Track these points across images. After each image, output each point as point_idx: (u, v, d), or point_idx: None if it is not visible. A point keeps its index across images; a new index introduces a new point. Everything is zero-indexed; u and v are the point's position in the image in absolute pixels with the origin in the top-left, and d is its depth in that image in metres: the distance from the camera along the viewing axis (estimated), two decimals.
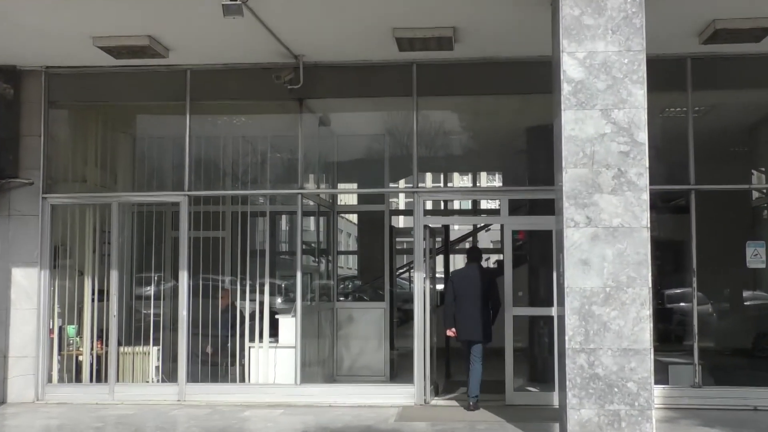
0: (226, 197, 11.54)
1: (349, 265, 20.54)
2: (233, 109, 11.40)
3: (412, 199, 10.38)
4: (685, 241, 10.03)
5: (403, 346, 12.27)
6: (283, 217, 14.27)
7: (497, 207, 11.63)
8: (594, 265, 7.63)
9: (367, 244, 15.49)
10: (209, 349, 10.82)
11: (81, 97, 11.10)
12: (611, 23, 7.77)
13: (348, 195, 16.53)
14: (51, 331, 10.67)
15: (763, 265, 10.21)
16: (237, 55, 10.19)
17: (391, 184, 12.91)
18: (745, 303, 12.65)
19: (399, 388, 10.35)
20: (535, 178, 11.31)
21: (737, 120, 11.52)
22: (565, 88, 7.79)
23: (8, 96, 10.52)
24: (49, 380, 10.61)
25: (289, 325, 10.54)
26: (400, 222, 25.19)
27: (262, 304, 10.66)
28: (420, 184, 10.51)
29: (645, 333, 7.55)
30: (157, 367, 10.69)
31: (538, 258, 11.43)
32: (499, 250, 15.46)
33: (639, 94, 7.72)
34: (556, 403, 9.16)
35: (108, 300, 10.59)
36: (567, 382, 7.61)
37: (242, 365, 10.60)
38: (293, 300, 10.66)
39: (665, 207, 11.79)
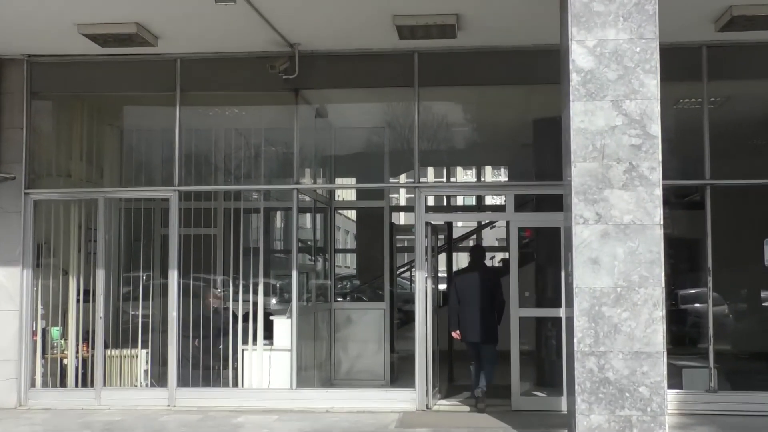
0: (218, 193, 11.53)
1: (347, 263, 20.57)
2: (225, 101, 11.40)
3: (413, 195, 10.37)
4: (700, 239, 10.02)
5: (404, 349, 12.29)
6: (278, 213, 14.26)
7: (502, 203, 11.63)
8: (604, 264, 7.62)
9: (366, 241, 15.49)
10: (197, 342, 10.77)
11: (65, 88, 11.09)
12: (622, 10, 7.76)
13: (346, 190, 16.50)
14: (34, 334, 10.66)
15: None
16: (229, 44, 10.18)
17: (392, 179, 12.91)
18: (763, 304, 12.64)
19: (399, 392, 10.34)
20: (542, 172, 11.31)
21: (755, 111, 11.50)
22: (574, 78, 7.78)
23: None
24: (33, 385, 10.61)
25: (284, 327, 10.55)
26: (401, 219, 25.23)
27: (255, 304, 10.66)
28: (421, 179, 10.50)
29: (658, 335, 7.55)
30: (145, 371, 10.69)
31: (545, 257, 11.44)
32: (505, 249, 15.49)
33: (652, 84, 7.71)
34: (564, 408, 9.17)
35: (94, 301, 10.59)
36: (576, 387, 7.61)
37: (235, 369, 10.60)
38: (288, 300, 10.66)
39: (679, 203, 11.78)
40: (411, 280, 15.54)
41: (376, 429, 9.13)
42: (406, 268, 17.83)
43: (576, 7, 7.79)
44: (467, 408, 10.16)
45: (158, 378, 10.65)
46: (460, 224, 23.19)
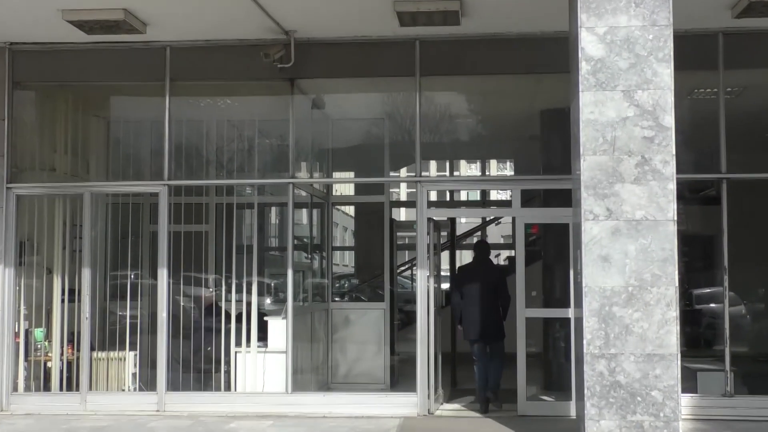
0: (210, 187, 11.54)
1: (345, 261, 20.57)
2: (217, 91, 11.39)
3: (414, 190, 10.37)
4: (716, 236, 10.02)
5: (405, 351, 12.30)
6: (273, 209, 14.28)
7: (508, 198, 11.64)
8: (615, 261, 7.63)
9: (365, 238, 15.51)
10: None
11: (49, 77, 11.07)
12: None
13: (344, 185, 16.56)
14: (16, 335, 10.67)
15: None
16: (221, 31, 10.17)
17: (392, 173, 12.92)
18: None
19: (400, 397, 10.35)
20: (550, 166, 11.32)
21: None
22: (584, 67, 7.78)
23: None
24: (15, 389, 10.62)
25: (279, 328, 10.55)
26: (402, 215, 25.28)
27: (249, 304, 10.66)
28: (423, 173, 10.50)
29: (671, 337, 7.56)
30: (133, 374, 10.69)
31: (553, 254, 11.44)
32: (511, 246, 15.48)
33: (665, 73, 7.71)
34: (573, 413, 9.17)
35: (79, 300, 10.58)
36: (585, 391, 7.62)
37: (228, 372, 10.61)
38: (284, 300, 10.66)
39: (694, 198, 11.79)
40: (412, 278, 15.54)
41: None
42: (407, 266, 17.84)
43: None
44: (471, 413, 10.18)
45: (147, 382, 10.65)
46: (463, 220, 23.23)
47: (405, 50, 10.27)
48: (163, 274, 10.43)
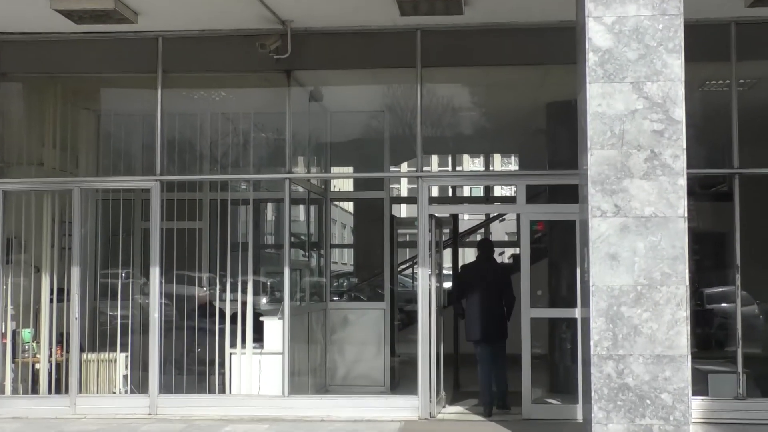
0: (204, 183, 11.55)
1: (344, 260, 20.59)
2: (211, 83, 11.39)
3: (415, 185, 10.37)
4: (728, 233, 10.03)
5: (406, 352, 12.32)
6: (269, 205, 14.30)
7: (513, 194, 11.65)
8: (623, 260, 7.63)
9: (364, 236, 15.51)
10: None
11: (37, 69, 11.07)
12: None
13: (343, 180, 16.51)
14: (3, 336, 10.67)
15: None
16: (216, 20, 10.16)
17: (392, 168, 12.93)
18: None
19: (401, 399, 10.36)
20: (556, 161, 11.33)
21: None
22: (591, 59, 7.77)
23: None
24: (2, 391, 10.62)
25: (275, 329, 10.55)
26: (403, 211, 25.28)
27: (244, 304, 10.65)
28: (425, 168, 10.50)
29: (681, 337, 7.56)
30: (125, 377, 10.70)
31: (559, 252, 11.44)
32: (515, 243, 15.49)
33: (675, 64, 7.71)
34: (579, 417, 9.18)
35: (69, 300, 10.59)
36: (592, 394, 7.63)
37: (222, 374, 10.62)
38: (280, 300, 10.67)
39: (705, 194, 11.80)
40: (413, 277, 15.57)
41: None
42: (408, 264, 17.87)
43: None
44: (475, 416, 10.18)
45: (138, 384, 10.66)
46: (466, 217, 23.26)
47: (406, 40, 10.27)
48: (155, 273, 10.42)
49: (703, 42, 9.27)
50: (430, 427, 9.81)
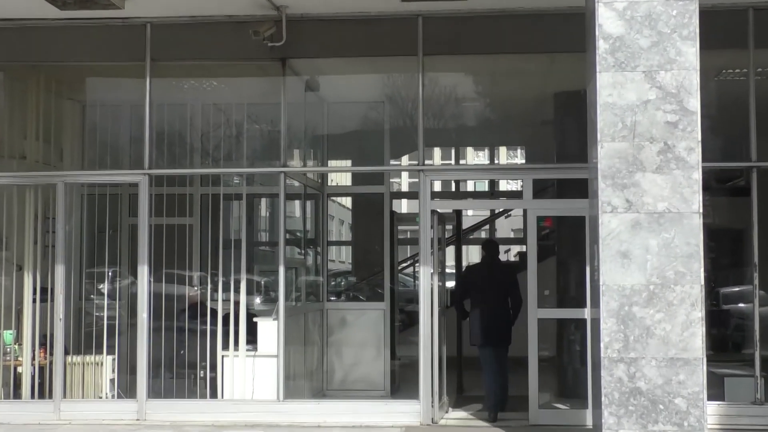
0: (195, 177, 11.54)
1: (341, 258, 20.57)
2: (203, 72, 11.38)
3: (416, 179, 10.37)
4: (745, 229, 10.02)
5: (407, 355, 12.32)
6: (263, 200, 14.27)
7: (519, 189, 11.63)
8: (635, 258, 7.62)
9: (363, 233, 15.48)
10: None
11: (19, 57, 11.05)
12: None
13: (341, 174, 16.52)
14: None
15: None
16: (207, 6, 10.15)
17: (392, 161, 12.92)
18: None
19: (402, 404, 10.36)
20: (564, 153, 11.31)
21: None
22: (601, 46, 7.76)
23: None
24: None
25: (269, 330, 10.55)
26: (403, 206, 25.27)
27: (237, 304, 10.66)
28: (426, 161, 10.51)
29: (696, 339, 7.55)
30: (111, 380, 10.70)
31: (568, 250, 11.43)
32: (522, 241, 15.46)
33: (690, 52, 7.69)
34: (589, 422, 9.18)
35: (52, 300, 10.59)
36: (603, 398, 7.62)
37: (214, 378, 10.61)
38: (275, 300, 10.67)
39: (721, 188, 11.79)
40: (414, 276, 15.57)
41: None
42: (408, 263, 17.86)
43: None
44: (479, 422, 10.19)
45: (126, 388, 10.66)
46: (470, 213, 23.22)
47: (407, 27, 10.25)
48: (143, 272, 10.42)
49: (719, 28, 9.27)
50: None
